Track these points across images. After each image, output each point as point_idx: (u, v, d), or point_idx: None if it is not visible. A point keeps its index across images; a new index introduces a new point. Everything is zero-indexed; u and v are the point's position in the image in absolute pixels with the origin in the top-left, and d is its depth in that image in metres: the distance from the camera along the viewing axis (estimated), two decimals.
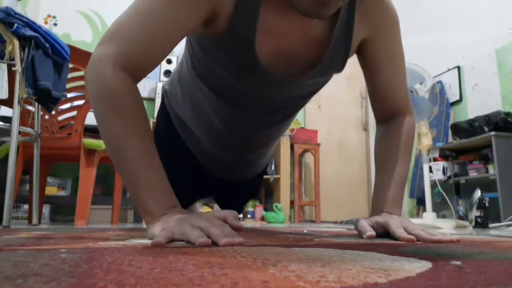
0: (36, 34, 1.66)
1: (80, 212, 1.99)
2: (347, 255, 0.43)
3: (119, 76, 0.63)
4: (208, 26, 0.69)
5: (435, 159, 3.17)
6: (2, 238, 0.71)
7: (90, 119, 2.29)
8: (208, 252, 0.43)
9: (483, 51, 3.30)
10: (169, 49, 0.68)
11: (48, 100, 1.76)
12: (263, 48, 0.71)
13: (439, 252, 0.47)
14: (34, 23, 1.69)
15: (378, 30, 0.80)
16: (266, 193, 3.97)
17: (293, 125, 3.97)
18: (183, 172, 1.02)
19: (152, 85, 3.70)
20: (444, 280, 0.28)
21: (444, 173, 3.12)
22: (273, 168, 3.74)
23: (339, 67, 0.81)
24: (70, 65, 1.94)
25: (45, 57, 1.71)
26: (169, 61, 3.65)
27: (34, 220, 1.92)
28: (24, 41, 1.63)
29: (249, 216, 3.67)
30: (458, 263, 0.37)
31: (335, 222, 3.82)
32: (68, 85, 1.96)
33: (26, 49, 1.63)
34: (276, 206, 3.52)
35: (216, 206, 3.66)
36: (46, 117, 2.09)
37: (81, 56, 2.02)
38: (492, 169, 2.83)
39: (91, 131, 2.62)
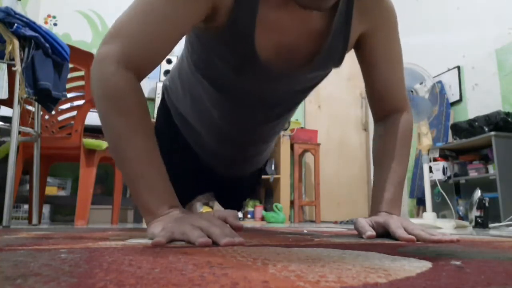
0: (36, 34, 1.66)
1: (80, 212, 1.99)
2: (347, 255, 0.43)
3: (123, 74, 0.64)
4: (208, 21, 0.70)
5: (435, 159, 3.17)
6: (2, 238, 0.71)
7: (90, 119, 2.30)
8: (208, 252, 0.43)
9: (483, 51, 3.30)
10: (171, 47, 0.68)
11: (48, 100, 1.76)
12: (263, 42, 0.72)
13: (439, 252, 0.47)
14: (34, 23, 1.69)
15: (376, 25, 0.80)
16: (266, 193, 3.97)
17: (293, 125, 3.97)
18: (183, 168, 1.03)
19: (152, 85, 3.70)
20: (444, 280, 0.28)
21: (444, 173, 3.12)
22: (273, 168, 3.74)
23: (338, 61, 0.81)
24: (70, 65, 1.94)
25: (45, 57, 1.71)
26: (169, 61, 3.65)
27: (34, 220, 1.92)
28: (24, 41, 1.63)
29: (249, 216, 3.67)
30: (458, 263, 0.37)
31: (335, 222, 3.82)
32: (68, 85, 1.96)
33: (26, 49, 1.63)
34: (276, 206, 3.52)
35: (216, 206, 3.67)
36: (46, 117, 2.09)
37: (81, 56, 2.02)
38: (492, 169, 2.83)
39: (91, 131, 2.63)
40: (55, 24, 3.75)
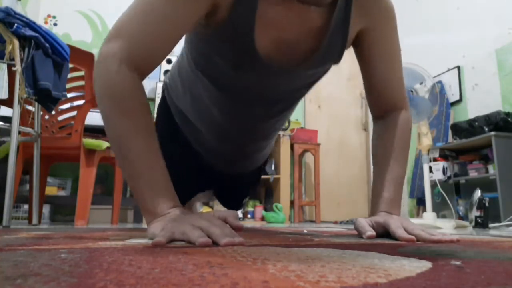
0: (36, 34, 1.66)
1: (80, 212, 1.99)
2: (347, 255, 0.43)
3: (126, 73, 0.64)
4: (208, 18, 0.70)
5: (435, 159, 3.17)
6: (2, 238, 0.71)
7: (90, 119, 2.30)
8: (208, 252, 0.43)
9: (483, 51, 3.30)
10: (173, 46, 0.68)
11: (48, 100, 1.76)
12: (262, 38, 0.72)
13: (439, 252, 0.47)
14: (34, 23, 1.69)
15: (375, 22, 0.80)
16: (266, 193, 3.97)
17: (293, 125, 3.98)
18: (184, 165, 1.03)
19: (152, 85, 3.70)
20: (444, 280, 0.28)
21: (444, 173, 3.12)
22: (273, 168, 3.74)
23: (337, 57, 0.82)
24: (70, 65, 1.94)
25: (45, 57, 1.71)
26: (169, 61, 3.65)
27: (34, 220, 1.92)
28: (24, 41, 1.63)
29: (249, 216, 3.67)
30: (458, 263, 0.37)
31: (335, 222, 3.82)
32: (68, 85, 1.96)
33: (26, 49, 1.63)
34: (276, 206, 3.52)
35: (216, 206, 3.67)
36: (46, 117, 2.09)
37: (81, 56, 2.02)
38: (492, 169, 2.83)
39: (91, 131, 2.63)
40: (55, 24, 3.75)
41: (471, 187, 2.70)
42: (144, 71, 0.67)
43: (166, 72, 3.64)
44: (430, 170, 2.81)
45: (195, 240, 0.51)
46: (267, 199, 3.91)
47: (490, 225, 2.02)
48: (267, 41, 0.73)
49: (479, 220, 1.96)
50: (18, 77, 1.61)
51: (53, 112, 2.05)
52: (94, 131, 2.69)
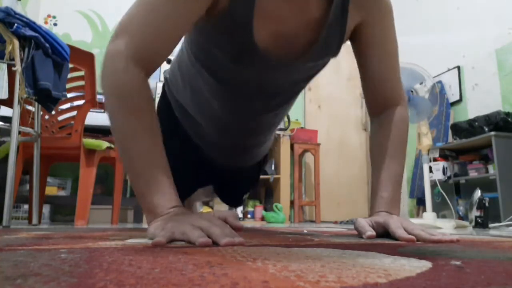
0: (36, 34, 1.66)
1: (80, 212, 1.99)
2: (347, 255, 0.43)
3: (132, 72, 0.65)
4: (208, 11, 0.71)
5: (435, 159, 3.17)
6: (2, 238, 0.71)
7: (90, 119, 2.30)
8: (208, 252, 0.43)
9: (483, 51, 3.30)
10: (177, 40, 0.69)
11: (48, 100, 1.76)
12: (261, 31, 0.73)
13: (439, 252, 0.47)
14: (34, 23, 1.69)
15: (372, 16, 0.81)
16: (266, 193, 3.97)
17: (293, 125, 3.98)
18: (184, 160, 1.03)
19: (152, 85, 3.69)
20: (444, 280, 0.28)
21: (444, 173, 3.12)
22: (273, 168, 3.74)
23: (335, 51, 0.82)
24: (70, 65, 1.94)
25: (45, 57, 1.71)
26: (169, 61, 3.65)
27: (34, 220, 1.92)
28: (24, 41, 1.63)
29: (249, 216, 3.67)
30: (458, 263, 0.37)
31: (335, 222, 3.82)
32: (68, 85, 1.96)
33: (26, 49, 1.63)
34: (276, 206, 3.52)
35: (216, 206, 3.68)
36: (46, 117, 2.09)
37: (81, 56, 2.02)
38: (492, 169, 2.83)
39: (91, 131, 2.63)
40: (55, 24, 3.75)
41: (471, 187, 2.70)
42: (150, 68, 0.68)
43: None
44: (430, 170, 2.81)
45: (195, 240, 0.51)
46: (267, 199, 3.91)
47: (490, 225, 2.02)
48: (266, 34, 0.74)
49: (479, 220, 1.96)
50: (18, 77, 1.61)
51: (53, 112, 2.05)
52: (94, 131, 2.70)
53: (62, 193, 3.15)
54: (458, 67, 3.54)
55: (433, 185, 2.69)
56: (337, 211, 4.19)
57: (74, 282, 0.25)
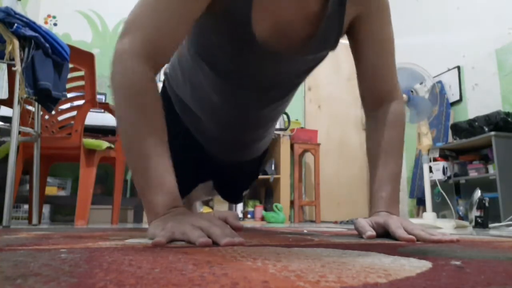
0: (36, 34, 1.66)
1: (80, 212, 1.99)
2: (347, 255, 0.43)
3: (141, 70, 0.66)
4: (208, 5, 0.71)
5: (435, 159, 3.17)
6: (2, 238, 0.71)
7: (90, 119, 2.30)
8: (208, 252, 0.43)
9: (483, 51, 3.30)
10: (184, 35, 0.71)
11: (48, 100, 1.76)
12: (259, 23, 0.73)
13: (439, 252, 0.47)
14: (34, 23, 1.69)
15: (369, 10, 0.81)
16: (266, 193, 3.97)
17: (293, 125, 3.98)
18: (184, 155, 1.04)
19: None
20: (444, 280, 0.28)
21: (444, 173, 3.12)
22: (273, 168, 3.74)
23: (333, 44, 0.83)
24: (70, 65, 1.94)
25: (45, 57, 1.71)
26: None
27: (34, 220, 1.92)
28: (24, 41, 1.63)
29: (249, 216, 3.67)
30: (458, 263, 0.37)
31: (335, 222, 3.82)
32: (68, 85, 1.96)
33: (26, 49, 1.63)
34: (276, 206, 3.52)
35: (216, 206, 3.67)
36: (46, 117, 2.09)
37: (81, 56, 2.02)
38: (492, 169, 2.83)
39: (91, 131, 2.63)
40: (55, 24, 3.75)
41: (471, 187, 2.70)
42: (158, 65, 0.69)
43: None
44: (430, 170, 2.81)
45: (195, 240, 0.51)
46: (267, 199, 3.91)
47: (490, 225, 2.02)
48: (265, 26, 0.74)
49: (479, 220, 1.96)
50: (18, 77, 1.61)
51: (53, 112, 2.05)
52: (94, 131, 2.70)
53: (62, 193, 3.15)
54: (458, 67, 3.54)
55: (433, 185, 2.69)
56: (337, 211, 4.19)
57: (74, 282, 0.25)
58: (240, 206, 3.65)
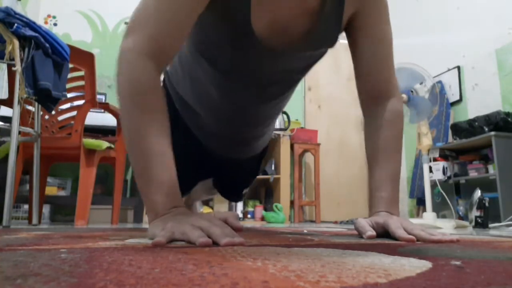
0: (36, 34, 1.66)
1: (80, 212, 1.99)
2: (347, 255, 0.43)
3: (146, 69, 0.66)
4: (208, 3, 0.72)
5: (435, 159, 3.17)
6: (2, 238, 0.71)
7: (90, 119, 2.30)
8: (208, 252, 0.43)
9: (483, 51, 3.30)
10: (187, 32, 0.71)
11: (48, 100, 1.76)
12: (258, 18, 0.74)
13: (439, 252, 0.47)
14: (34, 23, 1.69)
15: (367, 6, 0.81)
16: (266, 193, 3.97)
17: (293, 125, 3.98)
18: (184, 152, 1.04)
19: None
20: (444, 280, 0.28)
21: (444, 173, 3.12)
22: (273, 168, 3.74)
23: (332, 41, 0.83)
24: (70, 65, 1.94)
25: (45, 57, 1.71)
26: None
27: (34, 220, 1.92)
28: (24, 41, 1.63)
29: (249, 216, 3.67)
30: (458, 263, 0.37)
31: (335, 222, 3.82)
32: (68, 85, 1.96)
33: (26, 49, 1.63)
34: (276, 206, 3.52)
35: (216, 206, 3.67)
36: (46, 117, 2.09)
37: (81, 56, 2.02)
38: (492, 169, 2.83)
39: (91, 131, 2.63)
40: (55, 24, 3.75)
41: (471, 187, 2.70)
42: (162, 63, 0.70)
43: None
44: (430, 170, 2.81)
45: (195, 240, 0.51)
46: (267, 199, 3.91)
47: (490, 225, 2.02)
48: (264, 21, 0.75)
49: (479, 220, 1.96)
50: (18, 77, 1.61)
51: (53, 112, 2.05)
52: (94, 131, 2.70)
53: (62, 193, 3.15)
54: (458, 67, 3.54)
55: (433, 185, 2.69)
56: (337, 211, 4.19)
57: (74, 282, 0.25)
58: (240, 206, 3.65)
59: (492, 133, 2.74)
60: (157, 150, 0.64)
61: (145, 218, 2.90)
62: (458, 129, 3.09)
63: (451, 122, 3.44)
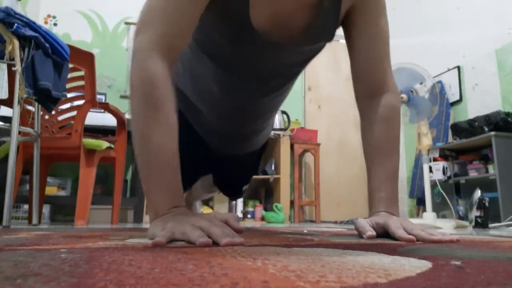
0: (36, 34, 1.66)
1: (80, 212, 1.99)
2: (347, 255, 0.43)
3: (159, 66, 0.66)
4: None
5: (435, 159, 3.17)
6: (2, 238, 0.71)
7: (90, 119, 2.30)
8: (208, 252, 0.43)
9: (483, 51, 3.30)
10: (194, 28, 0.72)
11: (48, 100, 1.76)
12: (257, 12, 0.75)
13: (439, 252, 0.47)
14: (34, 23, 1.69)
15: (364, 1, 0.82)
16: (266, 193, 3.97)
17: (293, 125, 3.98)
18: (185, 148, 1.05)
19: None
20: (444, 280, 0.28)
21: (444, 173, 3.12)
22: (273, 168, 3.74)
23: (330, 35, 0.83)
24: (70, 65, 1.94)
25: (45, 57, 1.71)
26: None
27: (34, 220, 1.92)
28: (24, 41, 1.63)
29: (249, 216, 3.67)
30: (458, 263, 0.37)
31: (335, 222, 3.82)
32: (68, 85, 1.96)
33: (26, 49, 1.63)
34: (276, 206, 3.52)
35: (216, 207, 3.66)
36: (46, 117, 2.09)
37: (81, 56, 2.02)
38: (492, 169, 2.83)
39: (91, 131, 2.63)
40: (55, 24, 3.75)
41: (471, 187, 2.70)
42: (173, 59, 0.70)
43: None
44: (430, 170, 2.81)
45: (195, 240, 0.51)
46: (267, 199, 3.91)
47: (490, 225, 2.02)
48: (263, 17, 0.76)
49: (479, 220, 1.96)
50: (18, 77, 1.61)
51: (53, 112, 2.05)
52: (94, 131, 2.69)
53: (62, 193, 3.15)
54: (458, 67, 3.54)
55: (433, 185, 2.69)
56: (337, 211, 4.19)
57: (74, 282, 0.25)
58: (240, 206, 3.66)
59: (492, 133, 2.74)
60: (162, 149, 0.64)
61: (145, 218, 2.90)
62: (458, 129, 3.09)
63: (451, 122, 3.44)
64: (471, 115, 3.26)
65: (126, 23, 3.91)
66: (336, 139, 4.45)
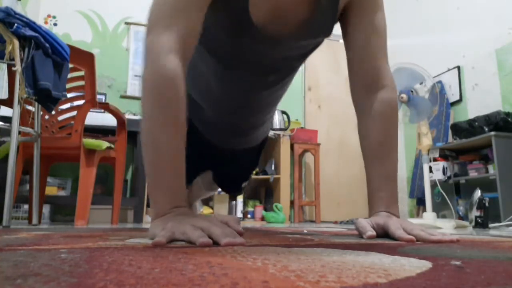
0: (36, 34, 1.66)
1: (80, 212, 1.99)
2: (347, 255, 0.43)
3: (171, 65, 0.66)
4: None
5: (435, 159, 3.17)
6: (2, 238, 0.71)
7: (90, 119, 2.30)
8: (208, 252, 0.43)
9: (483, 51, 3.30)
10: (201, 23, 0.72)
11: (48, 100, 1.76)
12: (256, 6, 0.75)
13: (439, 252, 0.47)
14: (34, 23, 1.69)
15: None
16: (266, 193, 3.97)
17: (293, 125, 3.98)
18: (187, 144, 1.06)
19: None
20: (444, 280, 0.28)
21: (444, 173, 3.12)
22: (273, 168, 3.74)
23: (327, 30, 0.84)
24: (70, 65, 1.94)
25: (45, 57, 1.71)
26: None
27: (34, 220, 1.92)
28: (24, 41, 1.63)
29: (249, 216, 3.67)
30: (458, 263, 0.37)
31: (335, 222, 3.82)
32: (68, 85, 1.96)
33: (26, 49, 1.63)
34: (276, 206, 3.52)
35: (216, 207, 3.66)
36: (46, 117, 2.09)
37: (81, 56, 2.02)
38: (492, 169, 2.83)
39: (91, 131, 2.63)
40: (55, 24, 3.75)
41: (471, 187, 2.70)
42: (187, 56, 0.70)
43: None
44: (430, 170, 2.81)
45: (195, 240, 0.51)
46: (267, 199, 3.91)
47: (490, 225, 2.02)
48: (262, 12, 0.76)
49: (479, 220, 1.96)
50: (18, 77, 1.61)
51: (53, 112, 2.05)
52: (94, 131, 2.69)
53: (62, 193, 3.15)
54: (458, 67, 3.54)
55: (433, 185, 2.69)
56: (337, 211, 4.19)
57: (74, 282, 0.25)
58: (240, 206, 3.66)
59: (492, 133, 2.74)
60: (169, 149, 0.64)
61: (145, 218, 2.90)
62: (458, 129, 3.09)
63: (451, 122, 3.44)
64: (471, 115, 3.26)
65: (126, 23, 3.91)
66: (336, 139, 4.45)
